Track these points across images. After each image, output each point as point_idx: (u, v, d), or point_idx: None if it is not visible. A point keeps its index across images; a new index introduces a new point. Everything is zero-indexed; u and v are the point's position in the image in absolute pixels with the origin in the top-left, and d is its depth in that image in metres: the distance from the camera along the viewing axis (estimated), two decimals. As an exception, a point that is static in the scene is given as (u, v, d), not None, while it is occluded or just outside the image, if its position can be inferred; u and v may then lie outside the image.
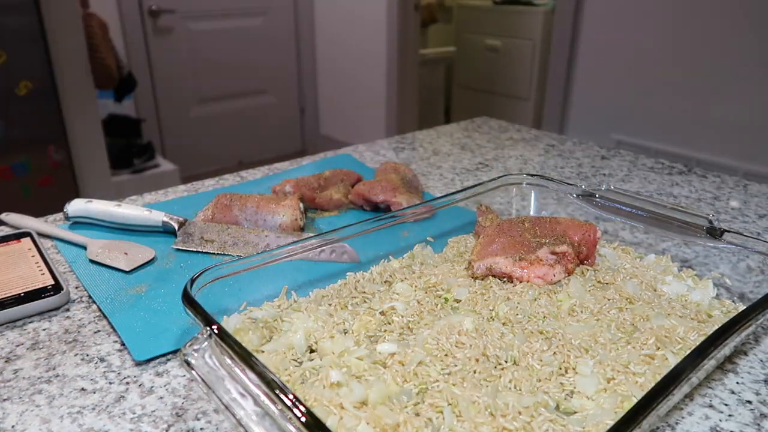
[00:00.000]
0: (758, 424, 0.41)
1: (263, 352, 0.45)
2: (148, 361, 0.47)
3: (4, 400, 0.43)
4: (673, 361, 0.43)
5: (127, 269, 0.60)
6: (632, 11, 2.16)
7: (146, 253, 0.63)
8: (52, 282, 0.56)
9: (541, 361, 0.43)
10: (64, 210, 0.70)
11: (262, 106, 3.28)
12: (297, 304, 0.51)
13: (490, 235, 0.60)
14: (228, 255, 0.63)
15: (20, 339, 0.50)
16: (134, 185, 2.45)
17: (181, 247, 0.65)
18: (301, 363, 0.44)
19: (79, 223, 0.70)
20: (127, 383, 0.45)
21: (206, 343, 0.39)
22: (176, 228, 0.67)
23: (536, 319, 0.49)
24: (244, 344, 0.38)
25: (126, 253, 0.62)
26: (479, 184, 0.68)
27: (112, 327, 0.52)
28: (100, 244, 0.63)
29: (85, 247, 0.64)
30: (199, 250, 0.64)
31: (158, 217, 0.68)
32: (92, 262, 0.62)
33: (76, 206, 0.69)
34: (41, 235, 0.68)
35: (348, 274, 0.56)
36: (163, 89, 2.92)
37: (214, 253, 0.64)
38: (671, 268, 0.57)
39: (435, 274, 0.55)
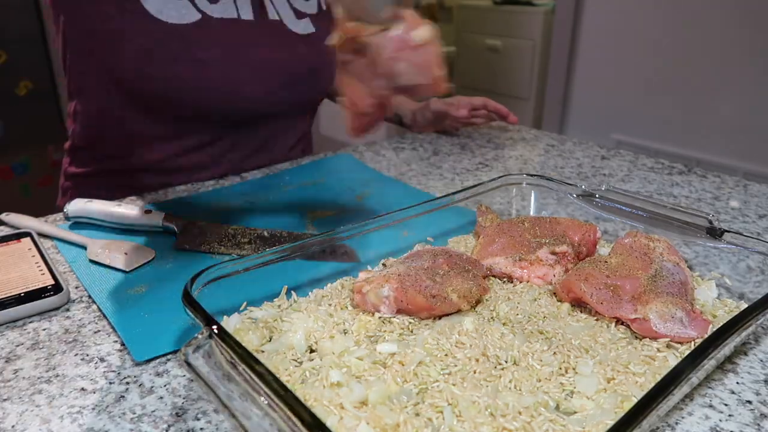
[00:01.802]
0: (758, 424, 0.41)
1: (263, 352, 0.45)
2: (148, 361, 0.47)
3: (4, 400, 0.43)
4: (673, 362, 0.43)
5: (127, 269, 0.60)
6: (632, 12, 2.16)
7: (146, 253, 0.63)
8: (52, 282, 0.56)
9: (541, 361, 0.43)
10: (64, 210, 0.70)
11: (262, 106, 3.27)
12: (297, 304, 0.51)
13: (490, 235, 0.60)
14: (228, 255, 0.63)
15: (20, 339, 0.50)
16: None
17: (181, 248, 0.65)
18: (301, 363, 0.44)
19: (79, 223, 0.70)
20: (127, 383, 0.45)
21: (206, 343, 0.39)
22: (176, 228, 0.67)
23: (536, 319, 0.49)
24: (244, 344, 0.38)
25: (126, 253, 0.62)
26: (479, 184, 0.68)
27: (112, 327, 0.52)
28: (100, 244, 0.63)
29: (85, 247, 0.64)
30: (199, 250, 0.64)
31: (158, 217, 0.68)
32: (92, 262, 0.62)
33: (76, 206, 0.69)
34: (41, 235, 0.68)
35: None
36: (163, 89, 2.92)
37: (214, 253, 0.64)
38: (671, 268, 0.57)
39: (435, 274, 0.55)
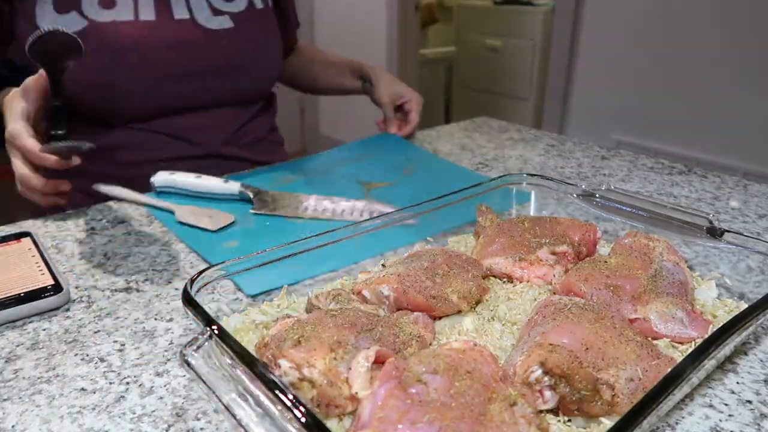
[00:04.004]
0: (758, 424, 0.41)
1: (263, 352, 0.45)
2: (149, 361, 0.47)
3: (4, 400, 0.43)
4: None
5: (213, 229, 0.69)
6: (632, 11, 2.16)
7: (227, 217, 0.72)
8: (52, 282, 0.56)
9: (541, 361, 0.43)
10: (151, 181, 0.79)
11: (262, 106, 3.27)
12: (296, 304, 0.51)
13: (490, 235, 0.60)
14: (299, 218, 0.73)
15: (20, 339, 0.50)
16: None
17: (258, 212, 0.74)
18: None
19: (163, 192, 0.80)
20: (127, 383, 0.45)
21: (206, 343, 0.39)
22: (251, 196, 0.76)
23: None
24: (244, 344, 0.38)
25: (210, 217, 0.71)
26: (479, 184, 0.68)
27: (113, 327, 0.52)
28: (186, 209, 0.73)
29: (172, 212, 0.73)
30: (274, 214, 0.74)
31: (234, 186, 0.77)
32: (181, 224, 0.70)
33: (161, 177, 0.79)
34: (133, 202, 0.77)
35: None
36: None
37: (287, 217, 0.73)
38: (671, 268, 0.57)
39: (435, 274, 0.55)
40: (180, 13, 0.88)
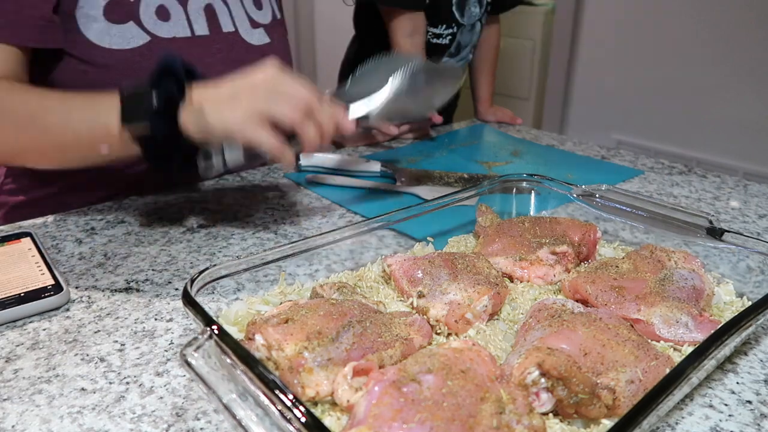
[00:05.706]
0: (758, 424, 0.41)
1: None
2: (149, 361, 0.47)
3: (4, 400, 0.43)
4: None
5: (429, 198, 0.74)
6: (632, 11, 2.16)
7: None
8: (52, 282, 0.56)
9: (541, 361, 0.43)
10: (298, 162, 0.87)
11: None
12: (304, 290, 0.52)
13: (490, 235, 0.60)
14: (450, 186, 0.82)
15: (20, 339, 0.50)
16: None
17: (404, 185, 0.82)
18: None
19: (306, 171, 0.87)
20: (127, 383, 0.45)
21: (206, 343, 0.38)
22: (391, 172, 0.85)
23: (536, 319, 0.49)
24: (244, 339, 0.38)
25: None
26: (479, 184, 0.68)
27: (114, 326, 0.52)
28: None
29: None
30: (419, 185, 0.82)
31: (376, 165, 0.87)
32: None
33: (309, 160, 0.88)
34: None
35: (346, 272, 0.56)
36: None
37: (434, 185, 0.82)
38: (671, 268, 0.57)
39: (435, 274, 0.55)
40: (227, 25, 0.83)
